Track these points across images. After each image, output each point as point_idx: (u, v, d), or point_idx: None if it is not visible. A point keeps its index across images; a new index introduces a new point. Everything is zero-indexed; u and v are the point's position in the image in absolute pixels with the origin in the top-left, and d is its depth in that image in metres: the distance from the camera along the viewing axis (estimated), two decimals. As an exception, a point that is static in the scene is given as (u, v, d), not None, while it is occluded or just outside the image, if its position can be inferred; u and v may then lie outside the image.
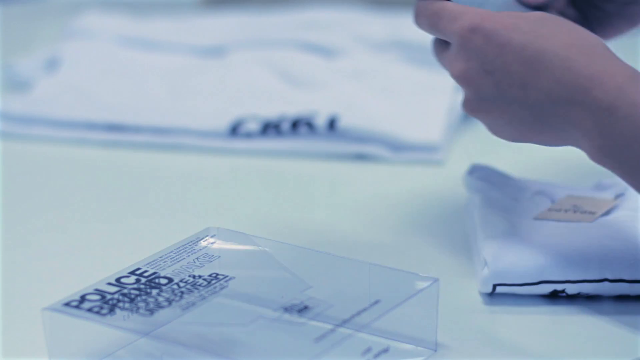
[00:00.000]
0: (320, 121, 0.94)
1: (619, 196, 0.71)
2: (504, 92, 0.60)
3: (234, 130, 0.96)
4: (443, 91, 1.00)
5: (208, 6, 1.43)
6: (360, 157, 0.93)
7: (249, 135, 0.96)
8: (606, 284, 0.64)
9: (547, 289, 0.65)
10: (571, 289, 0.65)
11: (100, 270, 0.72)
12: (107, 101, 1.02)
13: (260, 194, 0.87)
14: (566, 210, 0.69)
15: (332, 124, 0.94)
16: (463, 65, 0.61)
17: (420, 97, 1.02)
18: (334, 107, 0.96)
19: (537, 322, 0.65)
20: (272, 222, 0.80)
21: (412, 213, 0.81)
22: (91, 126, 0.98)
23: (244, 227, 0.79)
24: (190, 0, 1.46)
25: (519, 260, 0.65)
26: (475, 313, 0.66)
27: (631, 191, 0.67)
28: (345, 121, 0.94)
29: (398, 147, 0.93)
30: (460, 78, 0.62)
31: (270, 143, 0.95)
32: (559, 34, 0.59)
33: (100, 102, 1.02)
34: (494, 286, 0.65)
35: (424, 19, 0.64)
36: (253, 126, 0.96)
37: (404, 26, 1.24)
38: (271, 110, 0.98)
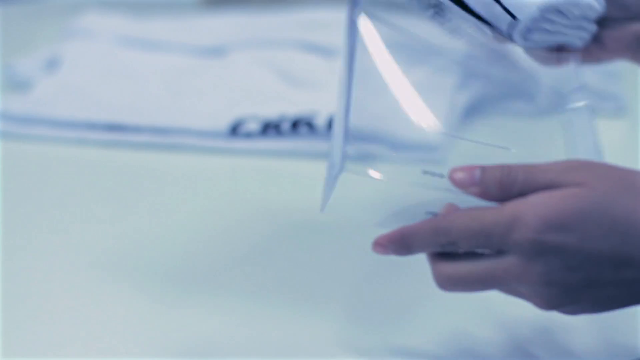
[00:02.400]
0: (320, 121, 0.94)
1: None
2: (595, 280, 0.54)
3: (234, 130, 0.96)
4: (443, 91, 1.00)
5: (208, 6, 1.43)
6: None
7: (249, 135, 0.96)
8: None
9: None
10: None
11: (100, 270, 0.72)
12: (107, 101, 1.02)
13: (260, 194, 0.87)
14: None
15: (332, 124, 0.94)
16: (542, 269, 0.53)
17: (420, 96, 1.02)
18: (334, 107, 0.96)
19: (537, 321, 0.65)
20: (272, 222, 0.80)
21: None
22: (91, 126, 0.98)
23: (244, 227, 0.79)
24: (190, 0, 1.46)
25: None
26: (475, 313, 0.66)
27: None
28: (345, 121, 0.93)
29: (398, 147, 0.93)
30: (541, 283, 0.54)
31: (270, 143, 0.95)
32: (621, 194, 0.53)
33: (100, 102, 1.02)
34: None
35: (466, 243, 0.54)
36: (253, 126, 0.96)
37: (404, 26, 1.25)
38: (271, 110, 0.98)
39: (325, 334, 0.64)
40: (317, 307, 0.67)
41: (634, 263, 0.53)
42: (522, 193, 0.54)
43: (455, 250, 0.55)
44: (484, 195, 0.55)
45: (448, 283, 0.56)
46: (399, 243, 0.56)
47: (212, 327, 0.65)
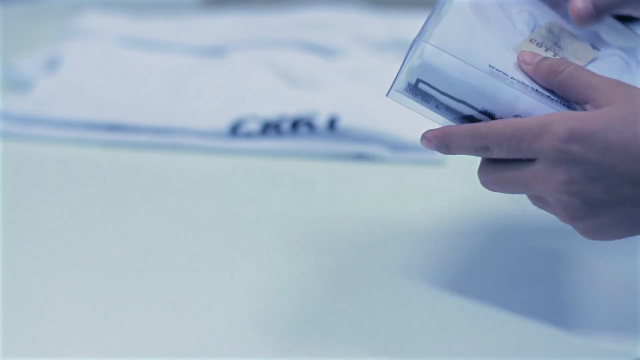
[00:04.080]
0: (320, 121, 0.94)
1: (595, 48, 0.68)
2: (614, 194, 0.57)
3: (234, 130, 0.96)
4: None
5: (208, 6, 1.44)
6: (360, 157, 0.93)
7: (249, 135, 0.96)
8: None
9: (466, 110, 0.62)
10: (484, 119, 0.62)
11: (101, 269, 0.72)
12: (107, 101, 1.02)
13: (260, 194, 0.87)
14: (547, 49, 0.65)
15: (332, 124, 0.94)
16: (564, 177, 0.57)
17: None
18: (334, 107, 0.96)
19: (537, 322, 0.65)
20: (272, 222, 0.80)
21: (412, 213, 0.81)
22: (91, 126, 0.98)
23: (244, 227, 0.79)
24: (190, 0, 1.46)
25: (457, 68, 0.61)
26: (474, 316, 0.66)
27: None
28: (345, 121, 0.94)
29: (398, 147, 0.93)
30: (563, 192, 0.58)
31: (270, 143, 0.95)
32: None
33: (100, 102, 1.02)
34: (418, 81, 0.61)
35: (499, 148, 0.59)
36: (253, 126, 0.96)
37: (404, 26, 1.25)
38: (271, 110, 0.98)
39: (328, 334, 0.64)
40: (316, 306, 0.67)
41: None
42: (564, 84, 0.60)
43: (490, 156, 0.60)
44: (534, 74, 0.61)
45: (487, 181, 0.62)
46: (441, 140, 0.62)
47: (212, 327, 0.65)
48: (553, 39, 0.66)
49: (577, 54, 0.66)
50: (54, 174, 0.91)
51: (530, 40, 0.65)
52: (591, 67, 0.65)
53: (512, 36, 0.65)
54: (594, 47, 0.67)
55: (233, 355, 0.62)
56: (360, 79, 1.09)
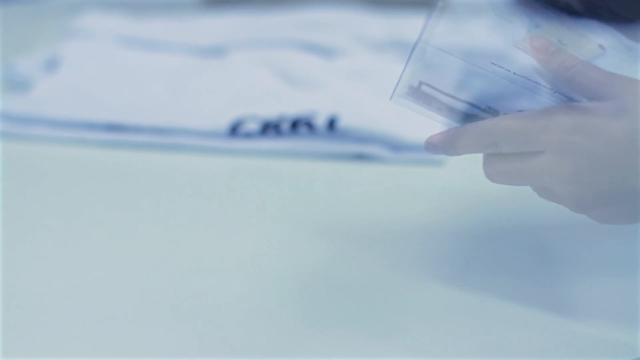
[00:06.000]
0: (320, 121, 0.94)
1: (601, 46, 0.67)
2: (619, 187, 0.59)
3: (234, 130, 0.96)
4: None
5: (208, 6, 1.44)
6: (360, 157, 0.93)
7: (248, 135, 0.96)
8: None
9: (470, 110, 0.62)
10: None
11: (100, 270, 0.72)
12: (107, 101, 1.02)
13: (260, 194, 0.87)
14: None
15: (331, 124, 0.94)
16: (571, 168, 0.59)
17: None
18: (333, 107, 0.96)
19: (537, 322, 0.65)
20: (272, 222, 0.80)
21: (412, 213, 0.81)
22: (91, 126, 0.98)
23: (244, 227, 0.79)
24: (190, 0, 1.46)
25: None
26: (473, 315, 0.66)
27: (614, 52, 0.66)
28: (345, 121, 0.94)
29: (398, 147, 0.93)
30: (571, 182, 0.59)
31: (270, 143, 0.95)
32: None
33: (100, 102, 1.02)
34: (421, 83, 0.63)
35: (507, 142, 0.60)
36: (253, 126, 0.96)
37: (404, 26, 1.25)
38: (271, 110, 0.98)
39: (328, 333, 0.64)
40: (315, 306, 0.67)
41: None
42: (573, 80, 0.60)
43: (498, 151, 0.61)
44: (545, 64, 0.62)
45: (495, 174, 0.62)
46: (447, 142, 0.62)
47: (211, 327, 0.65)
48: (556, 35, 0.66)
49: (580, 49, 0.65)
50: (54, 174, 0.91)
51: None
52: (597, 62, 0.65)
53: (510, 34, 0.65)
54: (600, 47, 0.67)
55: (233, 355, 0.62)
56: (359, 79, 1.09)
